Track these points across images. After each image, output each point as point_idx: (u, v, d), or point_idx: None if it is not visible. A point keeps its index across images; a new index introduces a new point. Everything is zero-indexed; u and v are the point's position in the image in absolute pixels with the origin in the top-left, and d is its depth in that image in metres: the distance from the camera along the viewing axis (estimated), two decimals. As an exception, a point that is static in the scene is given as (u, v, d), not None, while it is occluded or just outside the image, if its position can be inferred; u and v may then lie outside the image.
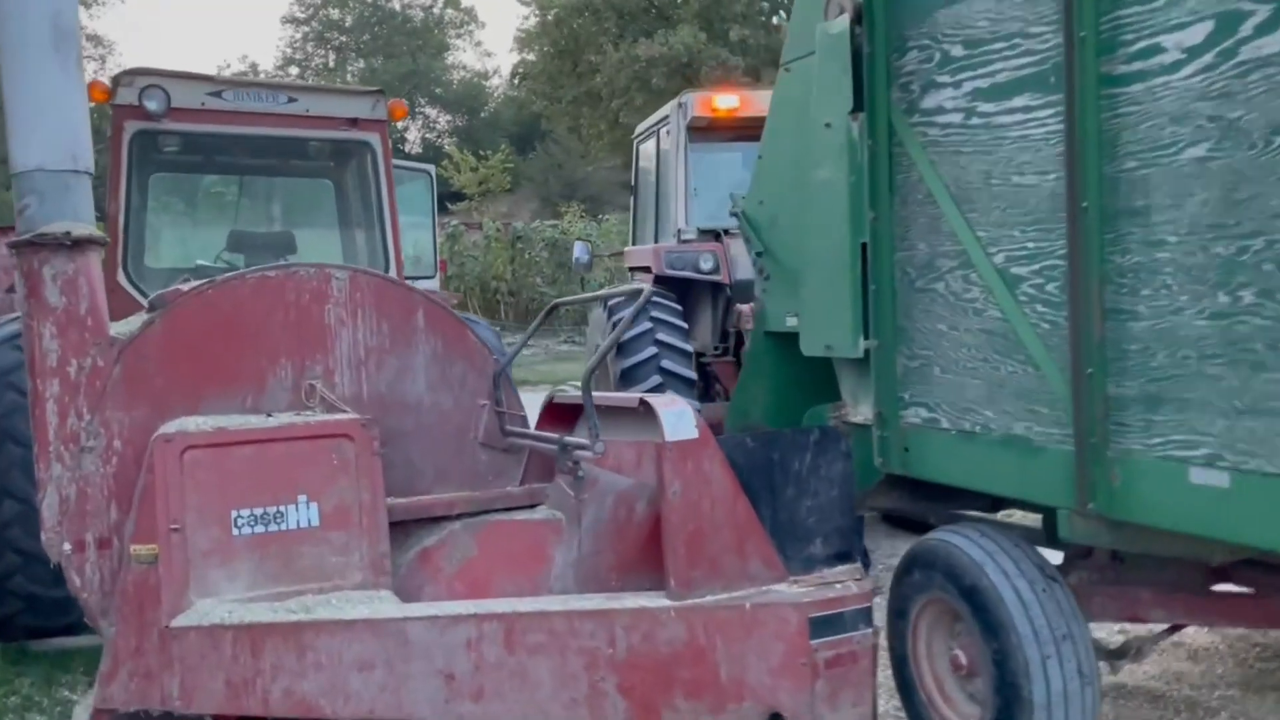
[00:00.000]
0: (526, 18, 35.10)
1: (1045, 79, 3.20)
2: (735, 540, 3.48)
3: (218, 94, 5.84)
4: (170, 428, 3.45)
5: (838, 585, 3.55)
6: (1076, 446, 3.13)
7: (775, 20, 32.01)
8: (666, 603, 3.37)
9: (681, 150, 7.49)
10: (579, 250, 9.07)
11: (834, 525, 3.82)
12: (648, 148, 8.48)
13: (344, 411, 3.83)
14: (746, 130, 7.72)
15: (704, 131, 7.65)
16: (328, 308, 4.06)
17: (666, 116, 7.80)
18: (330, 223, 7.23)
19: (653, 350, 6.81)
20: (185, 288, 4.04)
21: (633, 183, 8.93)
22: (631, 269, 8.24)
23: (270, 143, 6.22)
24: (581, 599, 3.48)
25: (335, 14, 50.81)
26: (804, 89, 4.28)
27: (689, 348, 7.03)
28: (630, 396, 3.67)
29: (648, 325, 6.96)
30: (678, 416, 3.47)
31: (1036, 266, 3.28)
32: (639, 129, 8.71)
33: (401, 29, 49.95)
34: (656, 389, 6.73)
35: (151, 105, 5.55)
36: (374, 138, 6.32)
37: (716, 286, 7.35)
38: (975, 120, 3.48)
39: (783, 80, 4.61)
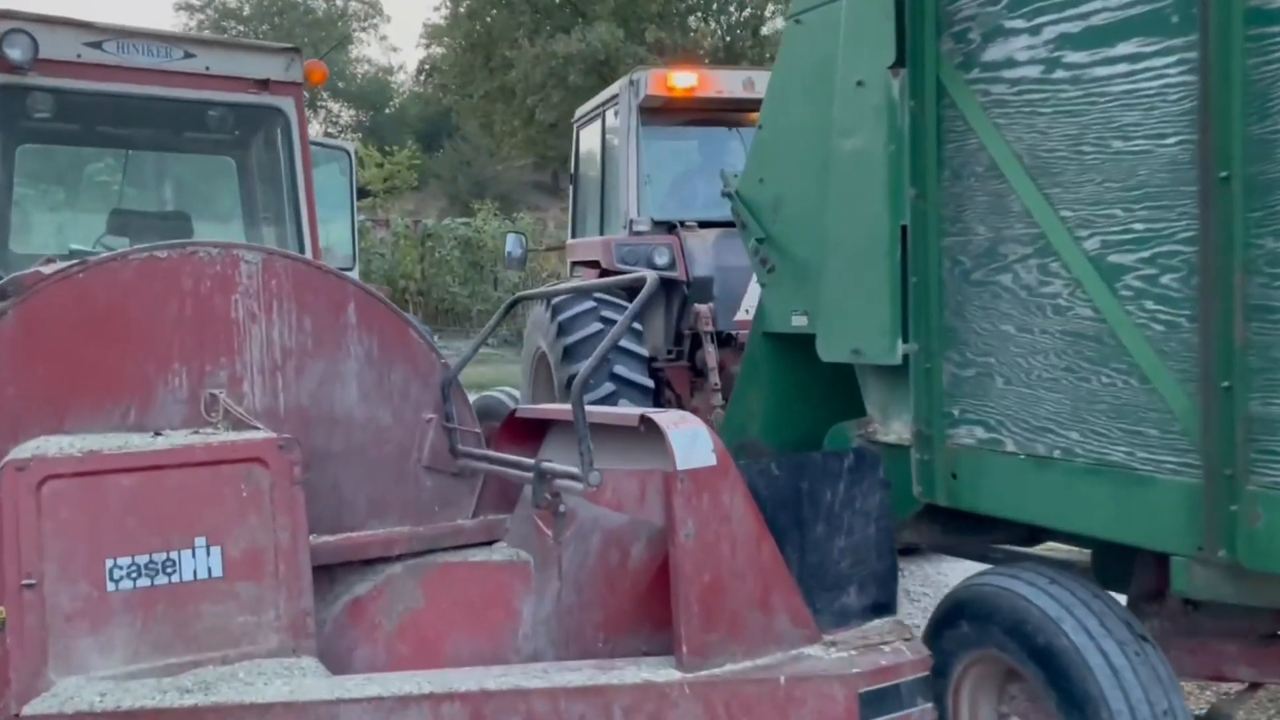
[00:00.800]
0: (438, 8, 34.01)
1: (1164, 19, 2.56)
2: (760, 592, 2.78)
3: (97, 45, 4.91)
4: (24, 451, 2.68)
5: (886, 648, 2.86)
6: (1205, 479, 2.49)
7: (691, 21, 31.56)
8: (677, 675, 2.66)
9: (632, 133, 6.75)
10: (511, 244, 8.27)
11: (871, 569, 3.13)
12: (591, 131, 7.72)
13: (255, 429, 3.07)
14: (705, 112, 7.05)
15: (658, 113, 6.92)
16: (235, 298, 3.26)
17: (615, 96, 7.06)
18: (233, 205, 6.31)
19: (604, 354, 6.06)
20: (47, 270, 3.20)
21: (572, 170, 8.16)
22: (575, 263, 7.47)
23: (162, 106, 5.29)
24: (567, 670, 2.73)
25: (233, 2, 48.78)
26: (821, 44, 3.59)
27: (644, 352, 6.30)
28: (627, 413, 2.93)
29: (596, 327, 6.21)
30: (691, 439, 2.76)
31: (1146, 253, 2.63)
32: (581, 111, 7.94)
33: (303, 20, 48.15)
34: (608, 398, 5.99)
35: (14, 53, 4.61)
36: (287, 103, 5.44)
37: (671, 284, 6.63)
38: (1060, 73, 2.82)
39: (792, 36, 3.92)
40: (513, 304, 3.75)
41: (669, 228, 6.74)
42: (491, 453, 3.57)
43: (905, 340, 3.24)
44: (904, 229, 3.23)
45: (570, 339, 6.17)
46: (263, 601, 2.83)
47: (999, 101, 2.99)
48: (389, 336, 3.59)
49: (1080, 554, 3.77)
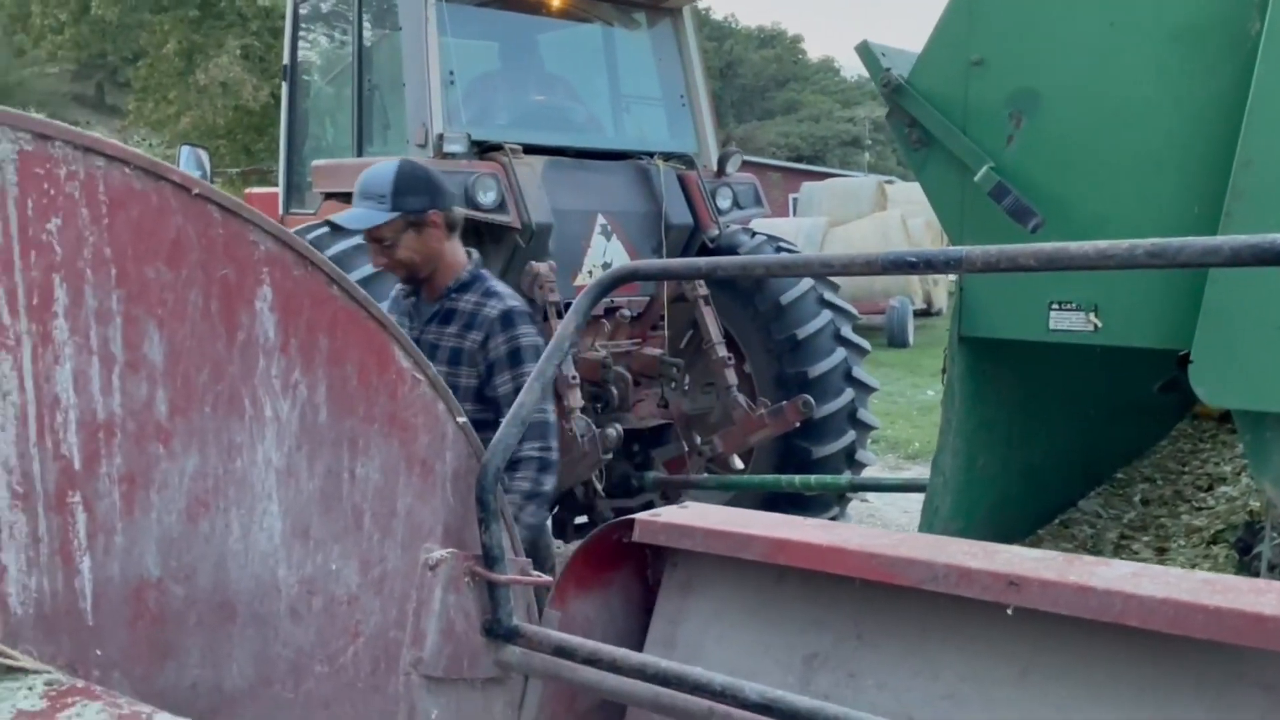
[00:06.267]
0: None
1: None
2: None
3: None
4: None
5: None
6: None
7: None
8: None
9: (429, 9, 4.63)
10: (188, 161, 5.73)
11: None
12: (329, 6, 5.41)
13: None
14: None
15: (464, -12, 4.83)
16: None
17: (390, -49, 4.85)
18: None
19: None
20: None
21: (287, 61, 5.75)
22: (329, 195, 5.15)
23: None
24: None
25: None
26: None
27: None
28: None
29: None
30: None
31: None
32: (306, -24, 5.54)
33: None
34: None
35: None
36: None
37: (496, 232, 4.66)
38: None
39: None
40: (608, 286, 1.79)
41: (479, 153, 4.73)
42: (580, 642, 1.63)
43: None
44: None
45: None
46: None
47: None
48: (344, 360, 1.56)
49: None
